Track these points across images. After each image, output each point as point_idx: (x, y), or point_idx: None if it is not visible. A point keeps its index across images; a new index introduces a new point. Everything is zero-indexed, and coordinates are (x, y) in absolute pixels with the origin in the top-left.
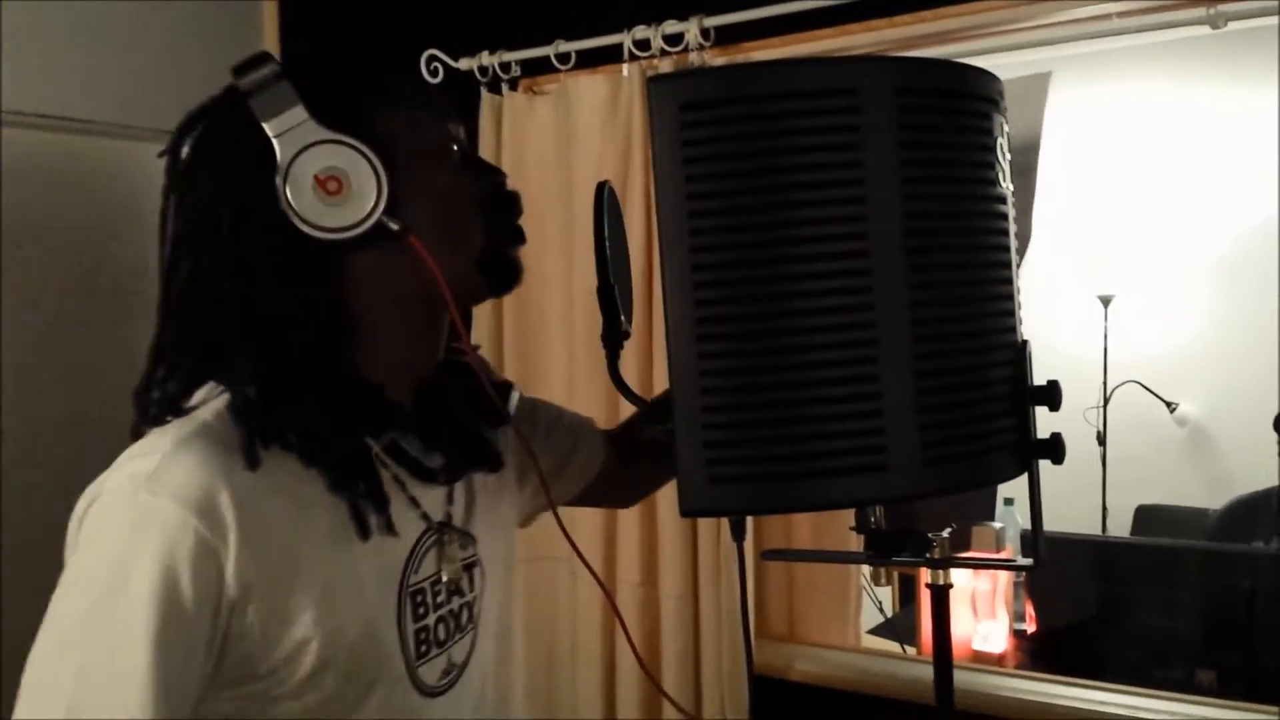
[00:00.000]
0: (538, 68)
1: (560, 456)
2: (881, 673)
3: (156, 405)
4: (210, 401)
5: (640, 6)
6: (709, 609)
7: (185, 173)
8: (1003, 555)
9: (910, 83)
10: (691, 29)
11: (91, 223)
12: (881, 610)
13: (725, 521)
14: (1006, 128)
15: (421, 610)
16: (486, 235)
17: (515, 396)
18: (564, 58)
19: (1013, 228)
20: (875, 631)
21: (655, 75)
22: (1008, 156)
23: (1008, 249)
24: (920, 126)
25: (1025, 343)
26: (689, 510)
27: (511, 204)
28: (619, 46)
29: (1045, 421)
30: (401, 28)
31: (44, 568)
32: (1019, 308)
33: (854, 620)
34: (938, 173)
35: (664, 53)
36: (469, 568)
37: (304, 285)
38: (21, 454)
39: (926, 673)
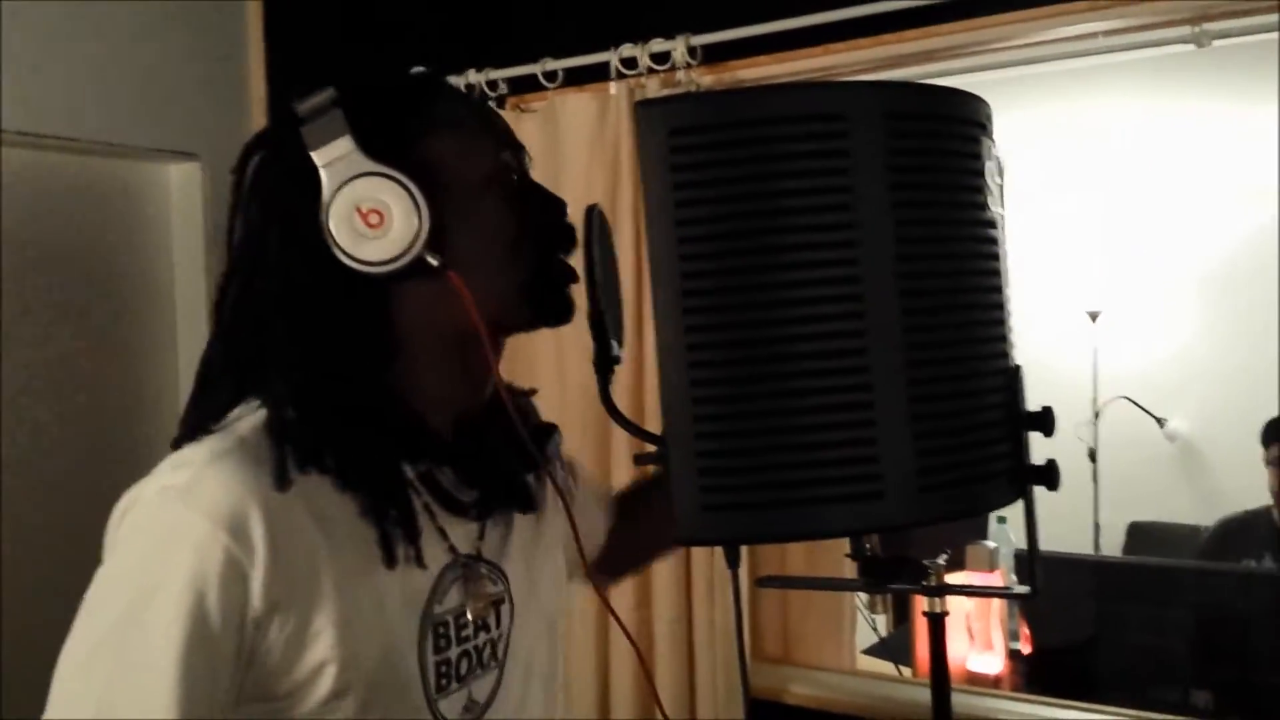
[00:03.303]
0: (525, 86)
1: (589, 519)
2: (877, 695)
3: (196, 418)
4: (248, 417)
5: (627, 25)
6: (703, 632)
7: (243, 196)
8: (997, 577)
9: (899, 107)
10: (679, 48)
11: (90, 239)
12: (876, 630)
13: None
14: (995, 151)
15: (443, 642)
16: (531, 267)
17: (555, 440)
18: (551, 76)
19: (1004, 251)
20: (869, 652)
21: (644, 100)
22: (998, 180)
23: (999, 273)
24: (909, 151)
25: (1018, 368)
26: (683, 539)
27: (564, 237)
28: (606, 65)
29: (1038, 445)
30: (388, 45)
31: (44, 568)
32: (1011, 332)
33: (849, 641)
34: (928, 197)
35: (651, 71)
36: (496, 604)
37: (346, 314)
38: (20, 461)
39: (922, 695)
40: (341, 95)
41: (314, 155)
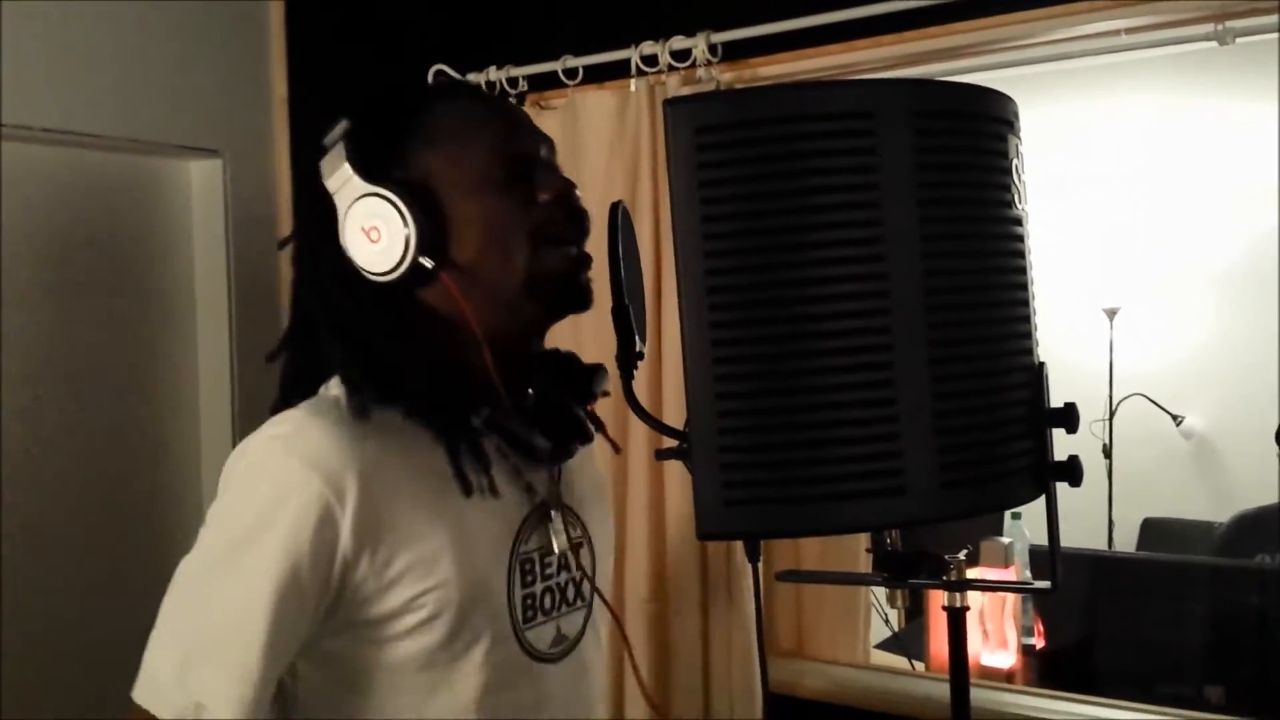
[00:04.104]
0: (545, 83)
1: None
2: (892, 689)
3: (285, 391)
4: (335, 387)
5: (648, 22)
6: (719, 625)
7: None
8: (1011, 573)
9: (925, 105)
10: (699, 45)
11: (112, 235)
12: (889, 624)
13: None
14: (1021, 148)
15: (530, 578)
16: (531, 261)
17: (603, 374)
18: (571, 73)
19: (1029, 248)
20: (882, 646)
21: (671, 98)
22: (1024, 177)
23: (1024, 270)
24: (936, 149)
25: (1042, 365)
26: (706, 533)
27: (570, 223)
28: (627, 62)
29: (1056, 440)
30: (410, 43)
31: (44, 569)
32: (1035, 329)
33: (863, 636)
34: (954, 194)
35: (671, 68)
36: (577, 546)
37: (381, 316)
38: (21, 455)
39: (937, 689)
40: (349, 125)
41: (326, 184)
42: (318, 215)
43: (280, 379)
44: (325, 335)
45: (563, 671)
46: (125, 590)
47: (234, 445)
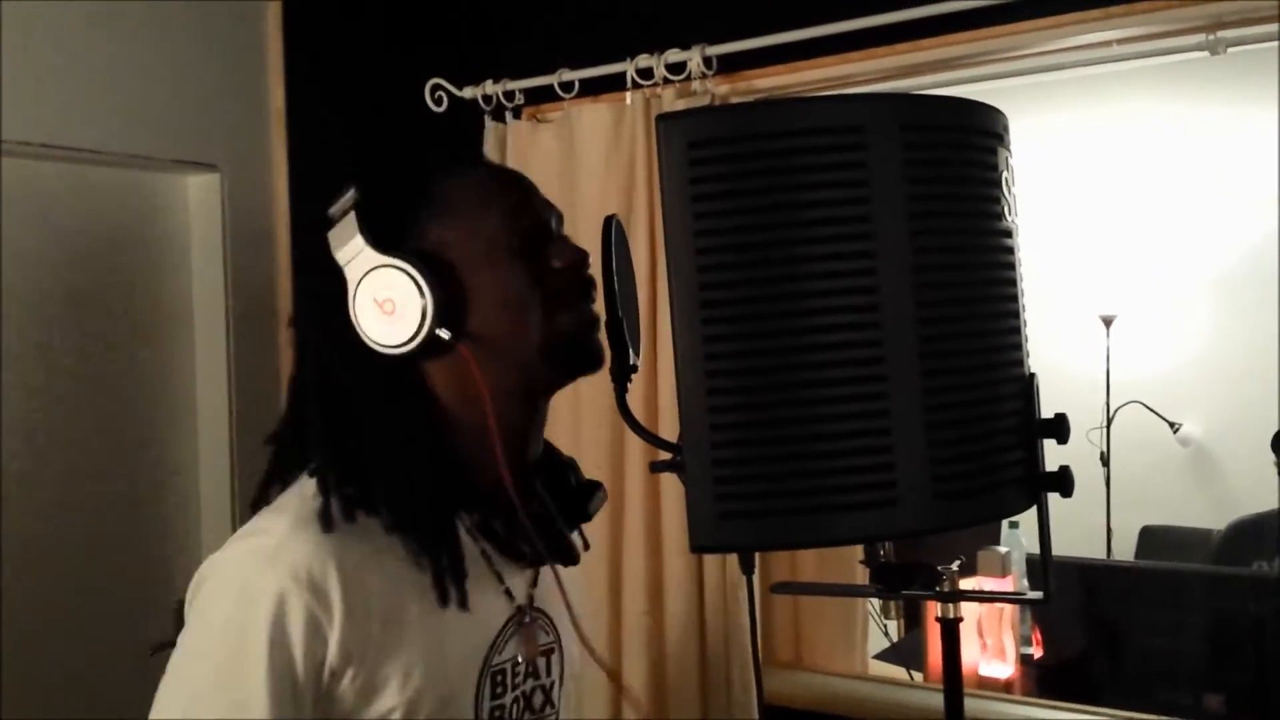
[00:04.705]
0: (541, 96)
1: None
2: (889, 700)
3: (267, 483)
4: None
5: (643, 35)
6: (715, 637)
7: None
8: (1009, 583)
9: (916, 119)
10: (694, 58)
11: (108, 251)
12: (887, 635)
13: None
14: (1011, 161)
15: (500, 690)
16: (545, 329)
17: (600, 496)
18: (567, 86)
19: (1020, 260)
20: (880, 656)
21: (664, 113)
22: (1014, 190)
23: (1015, 282)
24: (926, 162)
25: (1033, 375)
26: (698, 546)
27: (580, 289)
28: (622, 75)
29: (1051, 450)
30: (406, 56)
31: (41, 584)
32: (1026, 340)
33: (861, 646)
34: (944, 208)
35: (667, 81)
36: (547, 653)
37: (384, 395)
38: (18, 468)
39: (935, 700)
40: (358, 196)
41: (336, 256)
42: (325, 288)
43: (269, 467)
44: (315, 425)
45: None
46: (122, 606)
47: (231, 459)
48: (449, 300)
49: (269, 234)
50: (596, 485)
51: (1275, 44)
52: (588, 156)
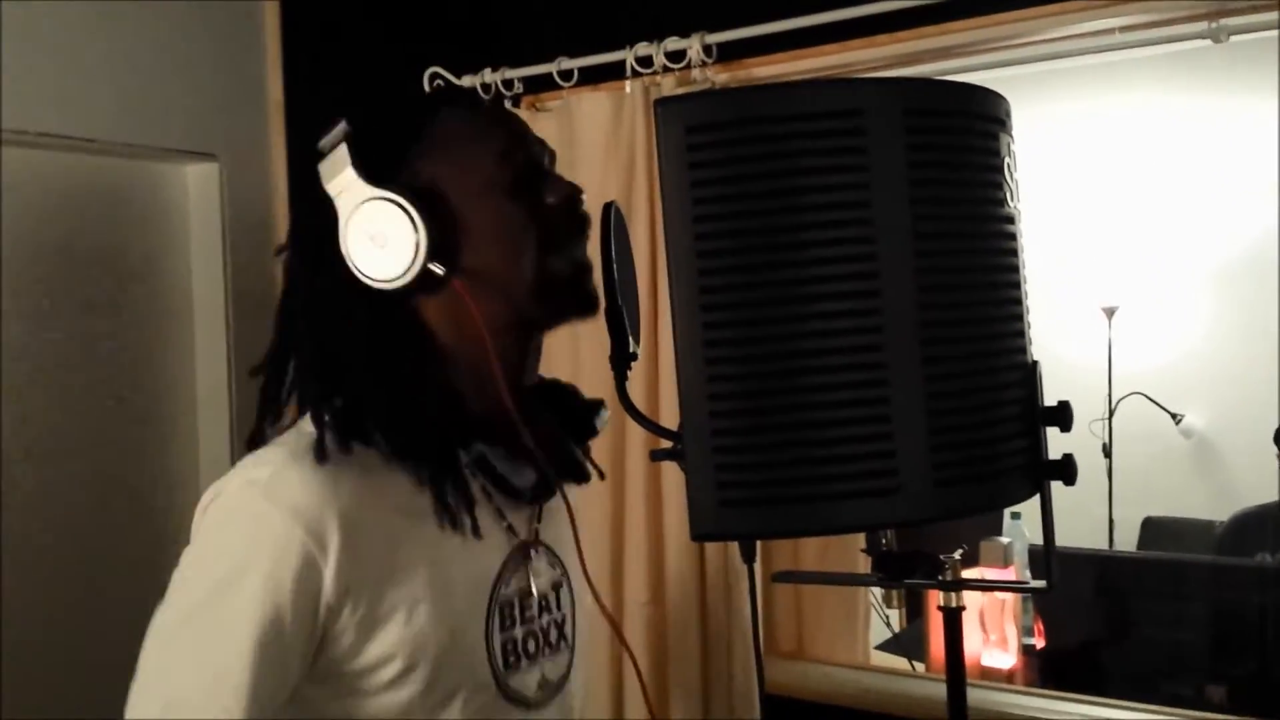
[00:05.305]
0: (541, 85)
1: None
2: (891, 690)
3: (261, 417)
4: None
5: (643, 23)
6: (717, 627)
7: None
8: (1011, 573)
9: (917, 104)
10: (694, 46)
11: (108, 240)
12: (889, 625)
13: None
14: (1014, 147)
15: (509, 623)
16: (539, 266)
17: (604, 413)
18: (567, 75)
19: (1022, 247)
20: (882, 647)
21: (662, 98)
22: (1016, 176)
23: (1017, 269)
24: (928, 147)
25: (1035, 363)
26: (699, 535)
27: (576, 227)
28: (622, 63)
29: (1054, 440)
30: (405, 45)
31: (41, 577)
32: (1029, 328)
33: (863, 637)
34: (946, 193)
35: (666, 69)
36: (557, 587)
37: (373, 325)
38: (18, 458)
39: (937, 690)
40: (349, 128)
41: (327, 188)
42: (316, 220)
43: (259, 402)
44: (304, 359)
45: (547, 716)
46: (122, 598)
47: (232, 449)
48: (442, 235)
49: (268, 223)
50: (599, 403)
51: (1276, 33)
52: (587, 145)
